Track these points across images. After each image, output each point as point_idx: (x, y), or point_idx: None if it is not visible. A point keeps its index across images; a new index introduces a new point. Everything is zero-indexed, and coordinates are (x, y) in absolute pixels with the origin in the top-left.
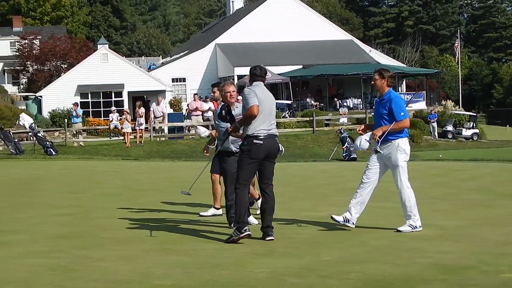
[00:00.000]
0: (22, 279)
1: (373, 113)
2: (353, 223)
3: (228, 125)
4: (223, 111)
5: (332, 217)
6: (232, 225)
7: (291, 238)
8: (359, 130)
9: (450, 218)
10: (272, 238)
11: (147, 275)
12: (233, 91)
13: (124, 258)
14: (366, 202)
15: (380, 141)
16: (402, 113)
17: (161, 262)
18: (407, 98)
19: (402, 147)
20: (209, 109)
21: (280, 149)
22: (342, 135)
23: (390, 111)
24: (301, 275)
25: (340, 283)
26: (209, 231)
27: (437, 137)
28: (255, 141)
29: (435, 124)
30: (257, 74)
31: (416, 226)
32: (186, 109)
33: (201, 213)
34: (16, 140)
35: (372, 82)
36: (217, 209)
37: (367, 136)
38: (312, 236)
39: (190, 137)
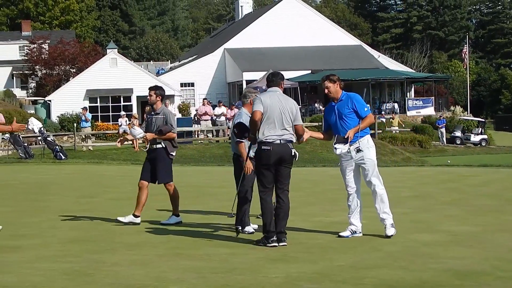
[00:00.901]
0: (37, 284)
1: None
2: (360, 232)
3: None
4: (235, 129)
5: (339, 235)
6: (263, 234)
7: (304, 243)
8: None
9: (462, 224)
10: (285, 243)
11: (162, 280)
12: None
13: (138, 263)
14: (361, 206)
15: (350, 142)
16: (366, 109)
17: (175, 267)
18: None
19: (370, 143)
20: (222, 114)
21: (293, 154)
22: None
23: (353, 109)
24: (316, 280)
25: None
26: (221, 236)
27: (445, 142)
28: (263, 147)
29: (443, 130)
30: (269, 79)
31: (393, 223)
32: (195, 114)
33: (118, 218)
34: (26, 144)
35: (326, 91)
36: (136, 216)
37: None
38: (325, 242)
39: (199, 141)
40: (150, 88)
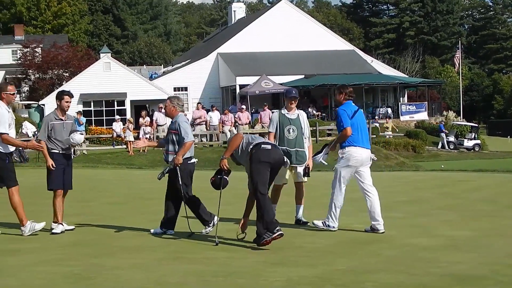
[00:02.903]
0: (39, 287)
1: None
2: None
3: None
4: (214, 186)
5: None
6: (263, 232)
7: (302, 247)
8: None
9: (459, 229)
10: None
11: (163, 284)
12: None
13: (138, 267)
14: (335, 204)
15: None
16: (341, 124)
17: (175, 270)
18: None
19: (340, 154)
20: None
21: (285, 160)
22: None
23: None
24: (316, 284)
25: None
26: (220, 240)
27: (442, 147)
28: (262, 146)
29: (444, 135)
30: None
31: (329, 225)
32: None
33: (53, 231)
34: (20, 148)
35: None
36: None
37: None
38: (323, 246)
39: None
40: (68, 94)
